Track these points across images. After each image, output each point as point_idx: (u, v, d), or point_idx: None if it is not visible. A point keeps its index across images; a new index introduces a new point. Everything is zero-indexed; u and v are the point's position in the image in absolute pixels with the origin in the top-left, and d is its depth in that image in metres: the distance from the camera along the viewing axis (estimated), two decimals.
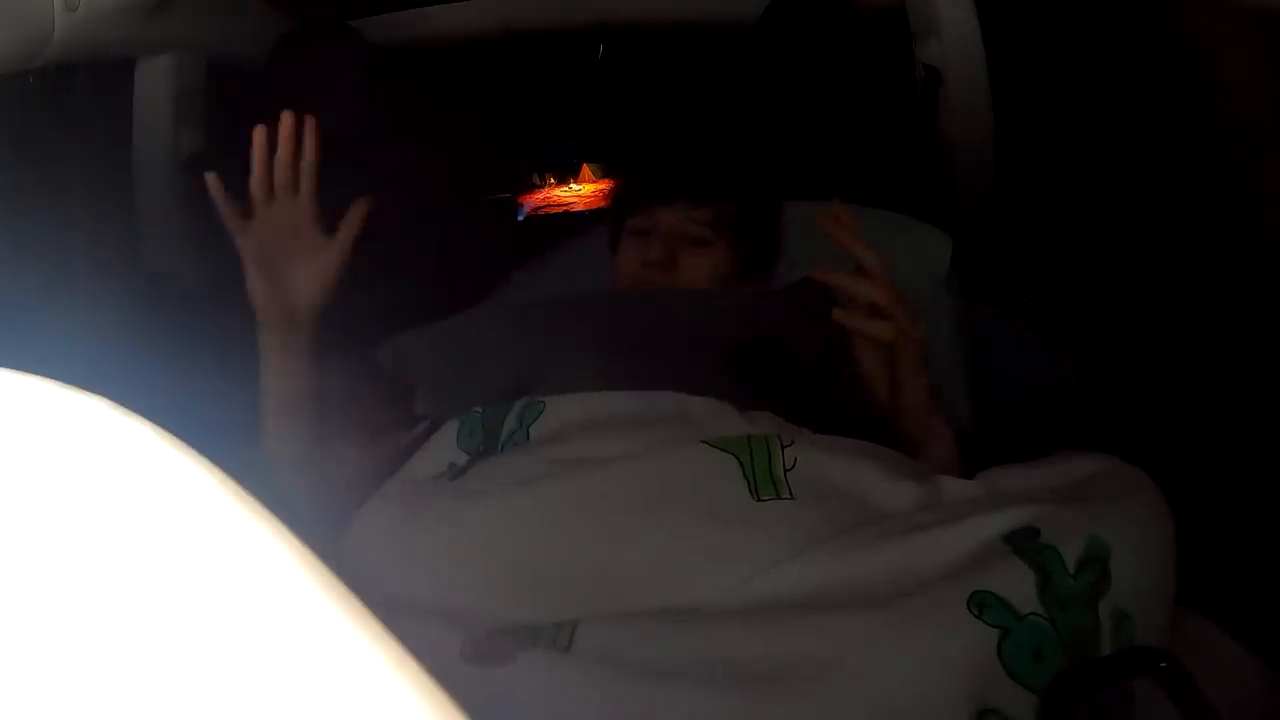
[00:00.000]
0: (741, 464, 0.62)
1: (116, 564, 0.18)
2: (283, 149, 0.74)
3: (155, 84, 1.23)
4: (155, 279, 1.31)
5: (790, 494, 0.60)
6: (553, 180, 1.87)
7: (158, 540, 0.18)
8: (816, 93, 1.29)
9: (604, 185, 1.84)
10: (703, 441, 0.64)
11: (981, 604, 0.50)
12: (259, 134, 0.73)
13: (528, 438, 0.70)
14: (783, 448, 0.63)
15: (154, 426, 0.21)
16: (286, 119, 0.74)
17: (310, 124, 0.75)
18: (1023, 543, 0.54)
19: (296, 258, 0.77)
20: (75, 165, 1.24)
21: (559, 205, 1.83)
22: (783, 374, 0.79)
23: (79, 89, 1.23)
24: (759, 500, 0.60)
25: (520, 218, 1.82)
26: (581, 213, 1.79)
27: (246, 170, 0.75)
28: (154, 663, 0.16)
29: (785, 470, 0.62)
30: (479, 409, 0.74)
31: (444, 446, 0.73)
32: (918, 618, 0.50)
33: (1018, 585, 0.52)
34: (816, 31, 1.29)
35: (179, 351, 1.01)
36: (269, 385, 0.79)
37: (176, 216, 1.29)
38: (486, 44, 1.58)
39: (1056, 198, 1.31)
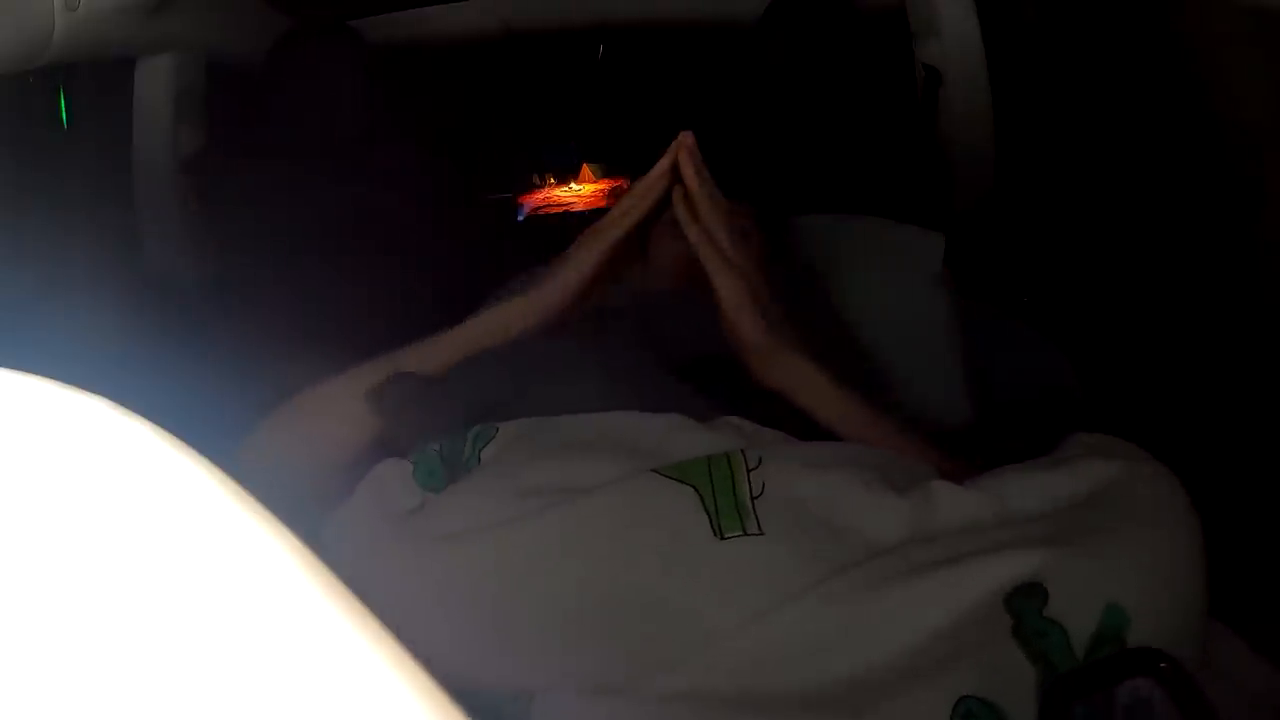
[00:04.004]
0: (701, 495, 0.55)
1: (117, 564, 0.18)
2: None
3: (155, 84, 1.23)
4: (155, 279, 1.31)
5: (758, 527, 0.53)
6: (553, 180, 1.87)
7: (158, 540, 0.18)
8: (816, 92, 1.29)
9: (604, 185, 1.84)
10: (655, 471, 0.56)
11: (968, 714, 0.44)
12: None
13: (479, 461, 0.64)
14: (749, 470, 0.56)
15: (154, 426, 0.21)
16: None
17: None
18: (1025, 612, 0.47)
19: None
20: (75, 165, 1.24)
21: (559, 205, 1.83)
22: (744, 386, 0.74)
23: (79, 89, 1.23)
24: (722, 538, 0.52)
25: (520, 218, 1.82)
26: (581, 213, 1.79)
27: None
28: (154, 662, 0.16)
29: (753, 498, 0.54)
30: (436, 445, 0.67)
31: (403, 484, 0.65)
32: None
33: (1013, 685, 0.45)
34: (816, 31, 1.29)
35: (179, 351, 1.01)
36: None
37: (176, 216, 1.29)
38: (486, 44, 1.58)
39: (1056, 197, 1.31)
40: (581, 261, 0.80)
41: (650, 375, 0.74)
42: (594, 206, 1.80)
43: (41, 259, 1.08)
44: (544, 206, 1.84)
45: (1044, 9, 1.36)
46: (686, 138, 0.79)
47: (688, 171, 0.77)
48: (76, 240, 1.19)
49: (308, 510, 0.67)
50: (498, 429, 0.66)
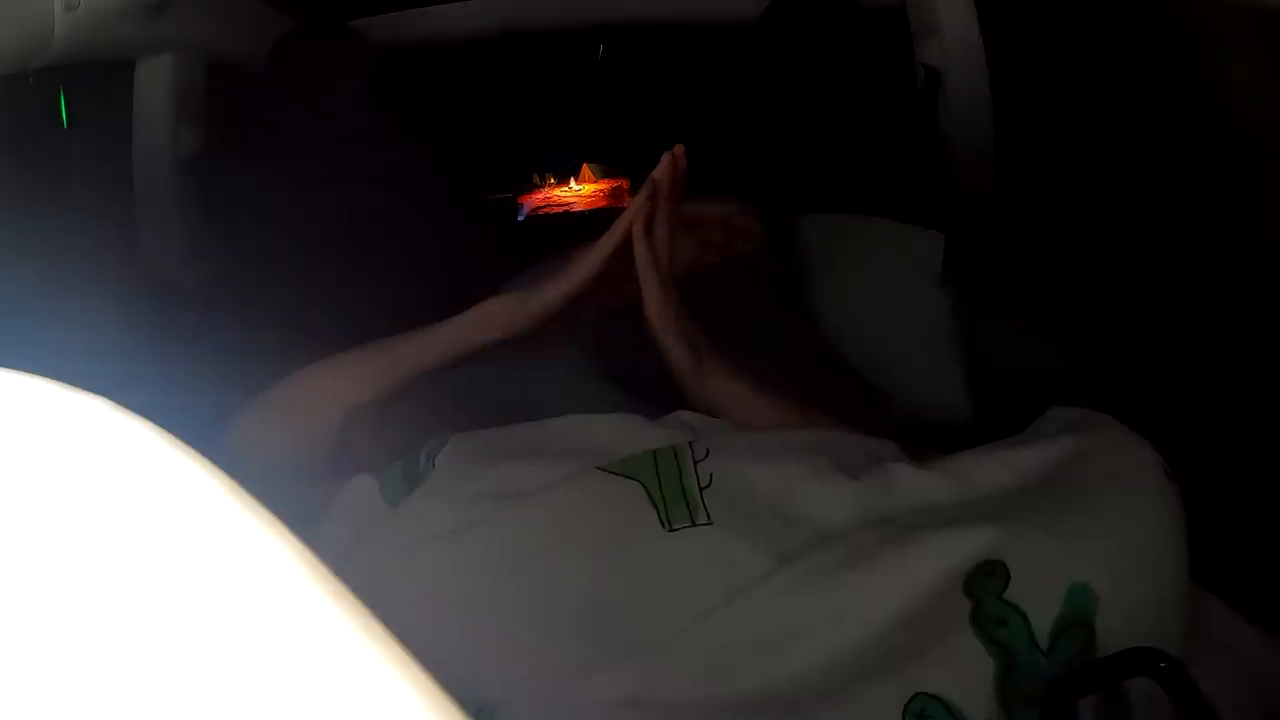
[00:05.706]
0: (648, 489, 0.53)
1: (116, 564, 0.18)
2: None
3: (155, 84, 1.23)
4: (155, 279, 1.31)
5: (707, 517, 0.51)
6: (553, 180, 1.87)
7: (158, 540, 0.18)
8: (817, 92, 1.29)
9: (604, 185, 1.84)
10: (600, 469, 0.55)
11: (921, 713, 0.41)
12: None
13: (433, 466, 0.63)
14: (696, 462, 0.55)
15: (154, 426, 0.21)
16: None
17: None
18: (984, 595, 0.45)
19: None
20: (75, 165, 1.24)
21: (559, 205, 1.83)
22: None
23: (79, 89, 1.23)
24: (671, 530, 0.51)
25: (520, 218, 1.81)
26: (582, 213, 1.79)
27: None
28: (154, 662, 0.16)
29: (701, 488, 0.53)
30: (399, 462, 0.66)
31: (370, 502, 0.64)
32: None
33: (970, 679, 0.43)
34: (816, 31, 1.29)
35: (179, 351, 1.01)
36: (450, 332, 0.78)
37: (176, 216, 1.29)
38: (486, 44, 1.58)
39: (1057, 197, 1.31)
40: (575, 271, 0.78)
41: (603, 380, 0.74)
42: (594, 206, 1.80)
43: (41, 259, 1.08)
44: (544, 206, 1.83)
45: (1044, 9, 1.36)
46: (677, 148, 0.75)
47: (662, 181, 0.73)
48: (76, 240, 1.19)
49: (296, 491, 0.68)
50: (449, 438, 0.65)
